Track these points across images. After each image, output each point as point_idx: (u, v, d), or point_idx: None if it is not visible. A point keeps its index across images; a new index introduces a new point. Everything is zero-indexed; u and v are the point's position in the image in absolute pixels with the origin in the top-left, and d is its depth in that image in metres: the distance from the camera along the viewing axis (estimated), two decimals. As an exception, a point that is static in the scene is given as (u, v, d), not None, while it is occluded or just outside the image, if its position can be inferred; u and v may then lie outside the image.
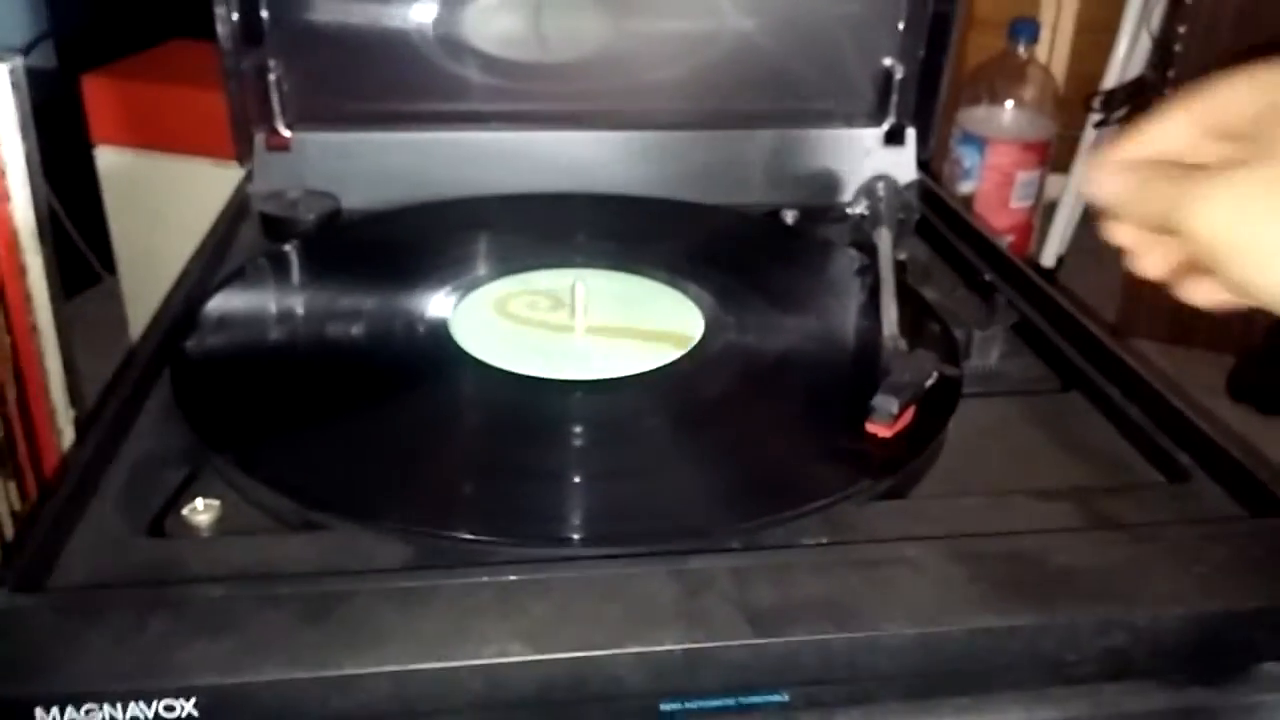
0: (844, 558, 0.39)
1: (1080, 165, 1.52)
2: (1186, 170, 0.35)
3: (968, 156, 1.39)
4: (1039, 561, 0.38)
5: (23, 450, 0.90)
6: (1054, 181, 1.50)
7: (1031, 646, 0.36)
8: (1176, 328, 1.41)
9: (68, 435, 0.95)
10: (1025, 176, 1.39)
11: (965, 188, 1.38)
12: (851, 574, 0.38)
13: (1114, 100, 1.43)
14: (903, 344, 0.50)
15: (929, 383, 0.47)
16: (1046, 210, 1.54)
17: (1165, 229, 0.35)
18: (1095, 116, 1.48)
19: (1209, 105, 0.37)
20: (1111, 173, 0.38)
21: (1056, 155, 1.42)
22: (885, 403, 0.46)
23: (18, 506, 0.91)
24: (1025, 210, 1.40)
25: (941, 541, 0.40)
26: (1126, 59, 1.46)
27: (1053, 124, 1.40)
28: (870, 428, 0.46)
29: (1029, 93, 1.40)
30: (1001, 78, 1.38)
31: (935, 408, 0.48)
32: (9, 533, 0.91)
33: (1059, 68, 1.54)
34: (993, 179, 1.39)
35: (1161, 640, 0.37)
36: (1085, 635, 0.36)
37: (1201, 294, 0.37)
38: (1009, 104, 1.39)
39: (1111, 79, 1.46)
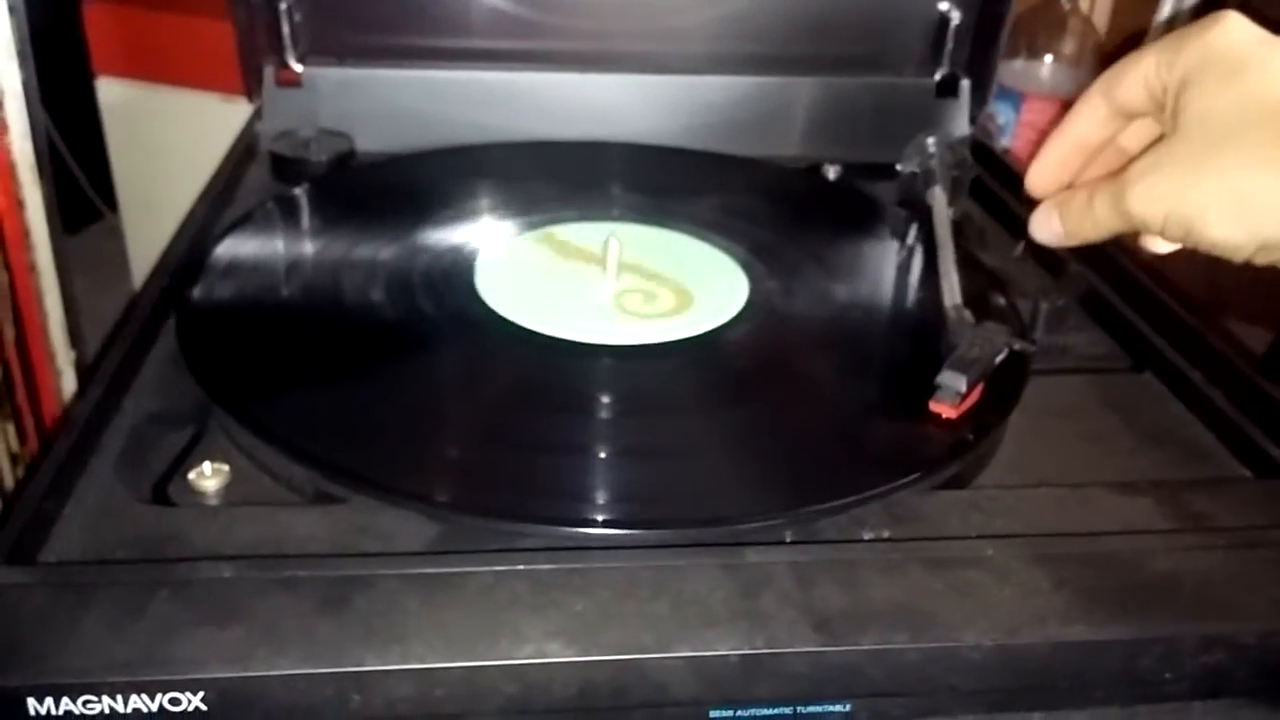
0: (914, 556, 0.35)
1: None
2: (1108, 177, 0.39)
3: (1002, 112, 1.34)
4: (1131, 567, 0.35)
5: (21, 392, 0.87)
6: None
7: (1125, 663, 0.33)
8: (1210, 297, 1.37)
9: (67, 377, 0.92)
10: (1047, 139, 1.33)
11: (998, 145, 1.33)
12: (924, 575, 0.34)
13: (1157, 57, 1.37)
14: (968, 315, 0.46)
15: (999, 359, 0.44)
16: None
17: (1119, 229, 0.40)
18: (1136, 74, 1.42)
19: (1120, 88, 0.40)
20: (1049, 208, 0.42)
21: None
22: (952, 380, 0.42)
23: (16, 449, 0.89)
24: (1060, 170, 1.36)
25: (1020, 541, 0.36)
26: (1173, 13, 1.40)
27: (1093, 81, 1.35)
28: (934, 407, 0.42)
29: (1069, 46, 1.34)
30: (1042, 29, 1.33)
31: (1003, 386, 0.44)
32: (7, 479, 0.88)
33: (1101, 20, 1.47)
34: (1027, 136, 1.33)
35: (1267, 659, 0.33)
36: (1186, 652, 0.33)
37: (1163, 247, 0.41)
38: (1048, 58, 1.34)
39: (1157, 32, 1.41)
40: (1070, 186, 0.44)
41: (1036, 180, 0.45)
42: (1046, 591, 0.34)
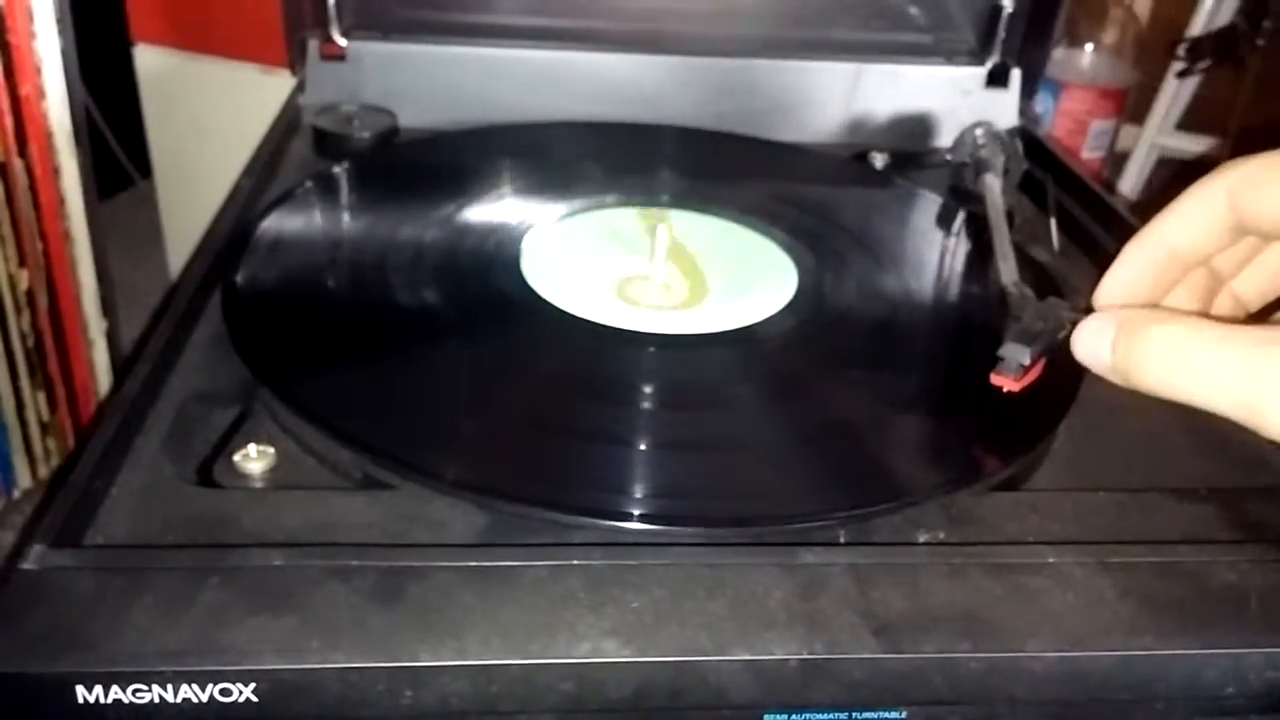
0: (975, 560, 0.34)
1: (1156, 116, 1.45)
2: (1244, 340, 0.28)
3: (1040, 101, 1.32)
4: (1195, 577, 0.34)
5: (53, 361, 0.87)
6: (1127, 132, 1.43)
7: (1191, 677, 0.32)
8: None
9: (99, 346, 0.92)
10: (1100, 125, 1.32)
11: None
12: (985, 581, 0.34)
13: (1199, 49, 1.35)
14: (1028, 290, 0.45)
15: (1063, 334, 0.42)
16: (1117, 162, 1.47)
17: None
18: (1178, 65, 1.40)
19: (1261, 200, 0.30)
20: (1104, 325, 0.31)
21: (1133, 105, 1.36)
22: (1015, 352, 0.40)
23: (46, 418, 0.89)
24: (1096, 161, 1.34)
25: (1084, 547, 0.35)
26: (1216, 4, 1.37)
27: (1132, 71, 1.33)
28: (996, 380, 0.41)
29: (1109, 35, 1.33)
30: (1083, 17, 1.31)
31: (1062, 374, 0.43)
32: (38, 446, 0.88)
33: (1142, 9, 1.46)
34: (1065, 126, 1.32)
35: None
36: (1252, 667, 0.32)
37: None
38: (1088, 47, 1.32)
39: (1199, 25, 1.39)
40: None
41: (1109, 292, 0.34)
42: (1112, 601, 0.33)
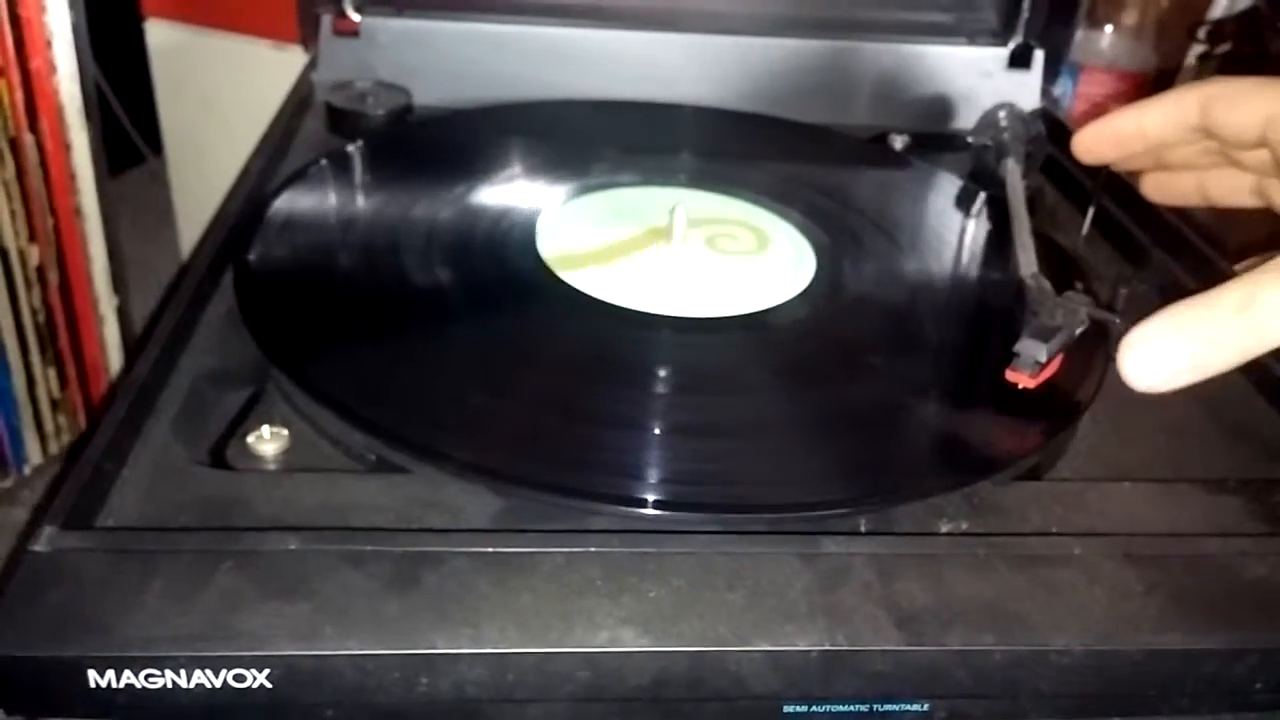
0: (999, 551, 0.34)
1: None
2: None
3: (1058, 83, 1.31)
4: (1224, 571, 0.34)
5: (64, 337, 0.87)
6: (1146, 115, 1.41)
7: (1218, 672, 0.32)
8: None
9: (110, 323, 0.92)
10: (1118, 109, 1.30)
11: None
12: (1009, 572, 0.33)
13: (1221, 32, 1.33)
14: (1047, 284, 0.44)
15: (1080, 330, 0.42)
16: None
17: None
18: (1198, 48, 1.38)
19: (1228, 115, 0.36)
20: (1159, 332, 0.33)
21: (1153, 89, 1.34)
22: (1031, 348, 0.40)
23: (57, 394, 0.88)
24: (1115, 144, 1.33)
25: (1108, 539, 0.35)
26: (1237, -13, 1.35)
27: (1153, 54, 1.31)
28: (1011, 376, 0.40)
29: (1129, 17, 1.31)
30: (1103, -2, 1.29)
31: (1085, 366, 0.42)
32: (49, 423, 0.88)
33: (1164, -10, 1.43)
34: (1083, 110, 1.31)
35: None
36: (1281, 663, 0.32)
37: None
38: (1108, 28, 1.30)
39: (1220, 8, 1.37)
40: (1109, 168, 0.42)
41: (1085, 145, 0.43)
42: (1139, 594, 0.32)
